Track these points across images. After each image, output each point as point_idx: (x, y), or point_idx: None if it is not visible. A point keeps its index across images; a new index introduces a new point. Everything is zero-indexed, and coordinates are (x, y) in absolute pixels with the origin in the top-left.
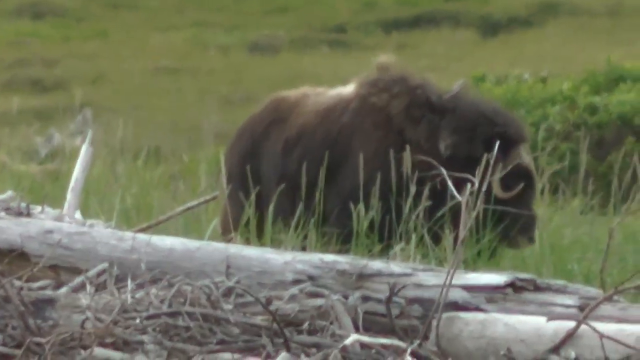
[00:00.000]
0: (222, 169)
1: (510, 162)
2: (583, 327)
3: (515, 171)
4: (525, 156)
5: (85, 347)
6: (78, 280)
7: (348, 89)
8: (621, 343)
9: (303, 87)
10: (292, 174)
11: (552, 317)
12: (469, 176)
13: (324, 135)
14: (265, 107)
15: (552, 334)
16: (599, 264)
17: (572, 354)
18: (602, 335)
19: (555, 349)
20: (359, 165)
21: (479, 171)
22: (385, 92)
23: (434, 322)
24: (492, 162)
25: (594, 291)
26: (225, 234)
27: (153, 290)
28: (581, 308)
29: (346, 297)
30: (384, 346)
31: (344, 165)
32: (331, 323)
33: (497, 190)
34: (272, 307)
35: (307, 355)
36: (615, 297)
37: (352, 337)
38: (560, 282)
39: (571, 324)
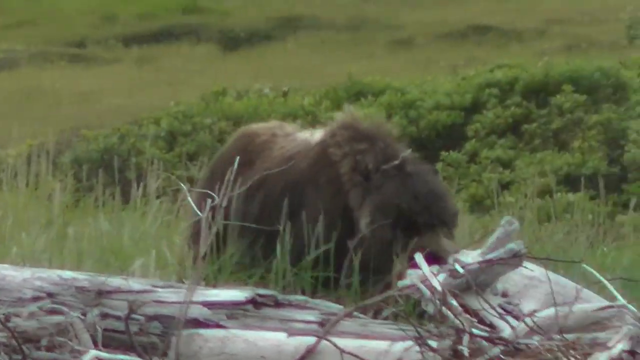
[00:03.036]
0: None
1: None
2: (324, 342)
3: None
4: (438, 242)
5: None
6: None
7: (316, 135)
8: (361, 359)
9: (273, 123)
10: (253, 218)
11: (292, 332)
12: (209, 192)
13: (285, 182)
14: (235, 146)
15: (293, 350)
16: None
17: None
18: (342, 351)
19: None
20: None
21: (219, 188)
22: (340, 147)
23: (174, 339)
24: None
25: (334, 307)
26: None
27: None
28: (322, 324)
29: (85, 314)
30: None
31: (298, 214)
32: (70, 340)
33: None
34: (10, 324)
35: None
36: (356, 313)
37: (91, 354)
38: (301, 298)
39: (312, 339)
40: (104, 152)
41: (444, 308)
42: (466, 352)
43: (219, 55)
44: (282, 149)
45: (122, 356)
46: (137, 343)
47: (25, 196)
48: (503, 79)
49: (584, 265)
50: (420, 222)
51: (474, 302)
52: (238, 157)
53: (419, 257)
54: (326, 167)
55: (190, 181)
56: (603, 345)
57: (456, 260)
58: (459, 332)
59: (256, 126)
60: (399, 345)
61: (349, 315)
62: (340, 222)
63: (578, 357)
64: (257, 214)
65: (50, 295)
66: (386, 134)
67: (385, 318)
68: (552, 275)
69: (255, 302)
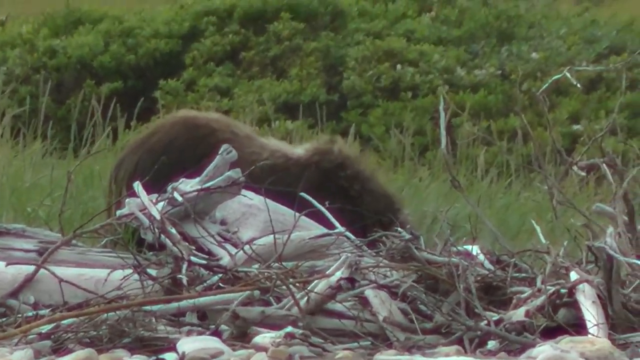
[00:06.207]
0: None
1: None
2: (42, 271)
3: None
4: None
5: None
6: None
7: (297, 151)
8: (80, 287)
9: (217, 116)
10: None
11: (11, 261)
12: None
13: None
14: (189, 135)
15: (11, 278)
16: (59, 207)
17: (31, 299)
18: (61, 280)
19: (14, 294)
20: None
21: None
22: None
23: None
24: None
25: (53, 235)
26: None
27: None
28: (40, 252)
29: None
30: None
31: None
32: None
33: None
34: None
35: None
36: (75, 241)
37: None
38: (19, 226)
39: (30, 268)
40: None
41: (162, 236)
42: (185, 280)
43: None
44: (256, 155)
45: None
46: None
47: None
48: (221, 7)
49: (302, 194)
50: None
51: (193, 230)
52: (195, 148)
53: (137, 186)
54: (329, 194)
55: None
56: (322, 273)
57: (174, 189)
58: (178, 260)
59: (205, 117)
60: (118, 273)
61: (67, 243)
62: None
63: (297, 284)
64: None
65: None
66: None
67: (104, 246)
68: (271, 203)
69: None
